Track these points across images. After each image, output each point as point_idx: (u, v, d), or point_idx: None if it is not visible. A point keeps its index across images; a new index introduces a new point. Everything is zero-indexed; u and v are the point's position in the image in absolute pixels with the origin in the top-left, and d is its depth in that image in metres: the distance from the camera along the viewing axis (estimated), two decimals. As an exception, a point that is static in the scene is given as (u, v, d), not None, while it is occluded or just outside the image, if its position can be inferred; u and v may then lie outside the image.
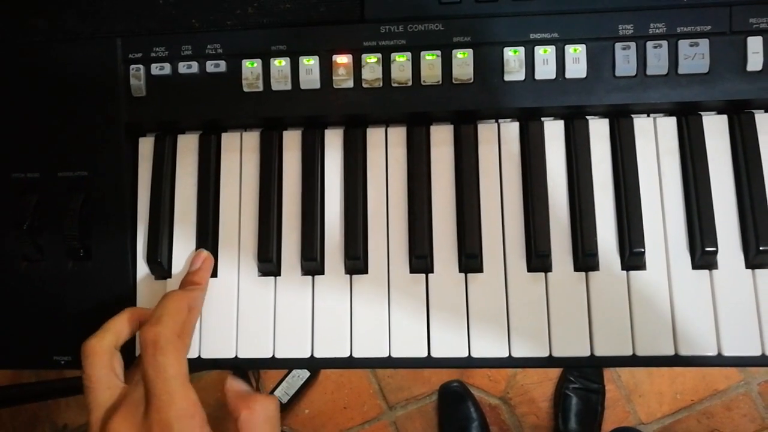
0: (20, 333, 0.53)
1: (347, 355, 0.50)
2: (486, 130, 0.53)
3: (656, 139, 0.52)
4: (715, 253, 0.48)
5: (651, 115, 0.52)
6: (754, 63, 0.49)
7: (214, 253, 0.53)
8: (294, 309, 0.51)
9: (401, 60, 0.51)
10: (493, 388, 1.40)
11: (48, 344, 0.53)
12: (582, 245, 0.49)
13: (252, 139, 0.54)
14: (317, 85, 0.52)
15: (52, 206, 0.53)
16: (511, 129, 0.53)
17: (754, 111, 0.51)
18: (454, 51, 0.51)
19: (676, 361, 0.48)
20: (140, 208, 0.54)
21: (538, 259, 0.50)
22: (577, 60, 0.50)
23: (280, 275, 0.52)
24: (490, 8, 0.51)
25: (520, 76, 0.51)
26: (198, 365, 0.51)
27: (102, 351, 0.45)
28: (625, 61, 0.50)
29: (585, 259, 0.49)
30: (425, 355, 0.50)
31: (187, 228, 0.53)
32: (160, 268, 0.53)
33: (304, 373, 1.38)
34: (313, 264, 0.51)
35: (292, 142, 0.54)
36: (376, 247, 0.52)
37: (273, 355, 0.51)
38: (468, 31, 0.51)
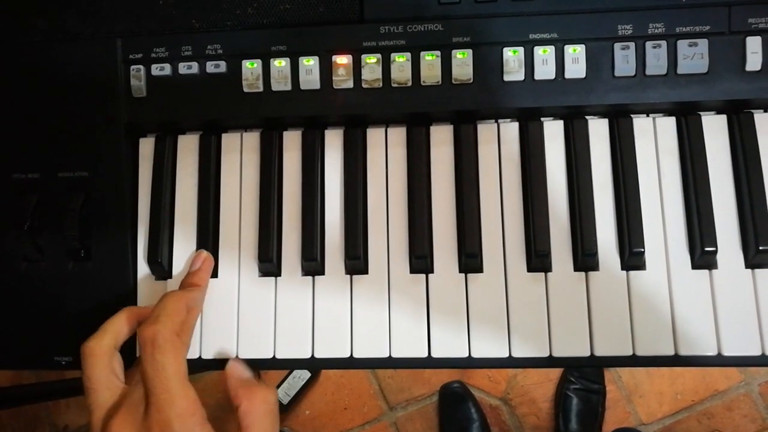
0: (21, 333, 0.53)
1: (348, 355, 0.50)
2: (486, 130, 0.53)
3: (656, 138, 0.52)
4: (715, 252, 0.48)
5: (650, 115, 0.52)
6: (753, 63, 0.49)
7: (215, 254, 0.53)
8: (294, 309, 0.51)
9: (401, 60, 0.51)
10: (494, 388, 1.40)
11: (48, 345, 0.53)
12: (582, 245, 0.49)
13: (252, 139, 0.55)
14: (317, 86, 0.52)
15: (53, 207, 0.53)
16: (510, 129, 0.53)
17: (753, 111, 0.51)
18: (453, 51, 0.51)
19: (676, 361, 0.49)
20: (140, 209, 0.54)
21: (538, 259, 0.50)
22: (576, 60, 0.50)
23: (280, 275, 0.52)
24: (490, 8, 0.51)
25: (520, 76, 0.51)
26: (199, 366, 0.51)
27: (101, 352, 0.45)
28: (624, 61, 0.50)
29: (585, 259, 0.49)
30: (425, 355, 0.50)
31: (188, 228, 0.54)
32: (161, 268, 0.53)
33: (305, 374, 1.38)
34: (313, 264, 0.51)
35: (292, 142, 0.54)
36: (376, 248, 0.52)
37: (273, 356, 0.51)
38: (467, 32, 0.51)
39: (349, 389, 1.42)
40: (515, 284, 0.50)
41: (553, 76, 0.51)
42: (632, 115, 0.52)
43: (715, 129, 0.51)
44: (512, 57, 0.51)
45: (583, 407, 1.33)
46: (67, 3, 0.54)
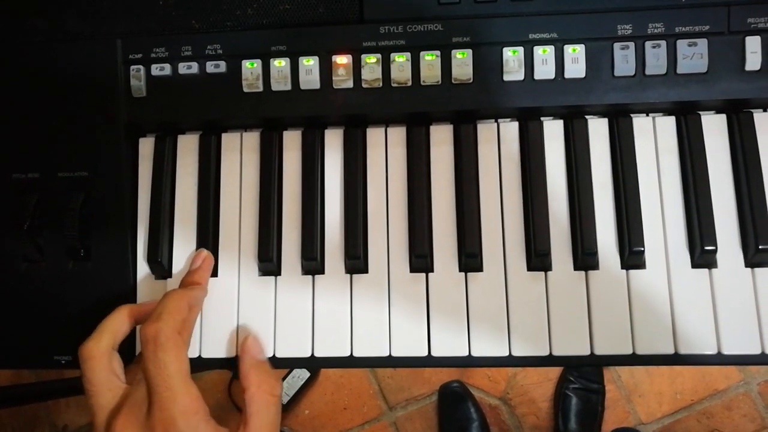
0: (20, 333, 0.53)
1: (347, 354, 0.51)
2: (485, 130, 0.53)
3: (655, 138, 0.52)
4: (715, 251, 0.48)
5: (650, 114, 0.52)
6: (753, 62, 0.49)
7: (215, 253, 0.53)
8: (294, 308, 0.51)
9: (401, 60, 0.51)
10: (493, 388, 1.40)
11: (48, 344, 0.53)
12: (582, 244, 0.49)
13: (252, 139, 0.55)
14: (317, 86, 0.52)
15: (52, 206, 0.53)
16: (510, 129, 0.53)
17: (752, 110, 0.51)
18: (453, 51, 0.51)
19: (676, 359, 0.49)
20: (140, 209, 0.54)
21: (537, 258, 0.50)
22: (576, 60, 0.50)
23: (280, 275, 0.52)
24: (489, 8, 0.51)
25: (520, 76, 0.51)
26: (198, 365, 0.51)
27: (100, 353, 0.45)
28: (623, 60, 0.50)
29: (585, 258, 0.49)
30: (425, 354, 0.50)
31: (188, 228, 0.54)
32: (161, 267, 0.53)
33: (304, 374, 1.38)
34: (313, 263, 0.51)
35: (292, 142, 0.54)
36: (376, 247, 0.52)
37: (273, 354, 0.51)
38: (467, 32, 0.51)
39: (349, 389, 1.42)
40: (515, 283, 0.50)
41: (552, 76, 0.51)
42: (632, 115, 0.52)
43: (714, 128, 0.51)
44: (512, 57, 0.51)
45: (583, 407, 1.33)
46: (67, 3, 0.55)
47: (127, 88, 0.53)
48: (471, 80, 0.51)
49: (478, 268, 0.51)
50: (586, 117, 0.52)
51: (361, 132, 0.54)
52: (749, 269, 0.49)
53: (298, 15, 0.53)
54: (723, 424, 1.35)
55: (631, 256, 0.49)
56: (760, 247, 0.48)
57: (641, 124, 0.52)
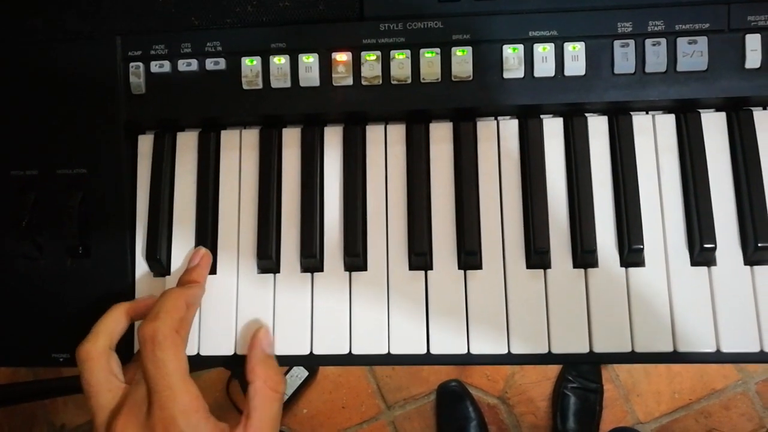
0: (19, 331, 0.53)
1: (346, 351, 0.50)
2: (485, 128, 0.53)
3: (655, 136, 0.52)
4: (714, 249, 0.48)
5: (650, 112, 0.52)
6: (753, 60, 0.49)
7: (214, 251, 0.53)
8: (293, 306, 0.51)
9: (400, 58, 0.51)
10: (492, 387, 1.40)
11: (46, 342, 0.53)
12: (581, 242, 0.49)
13: (251, 136, 0.54)
14: (317, 83, 0.52)
15: (51, 204, 0.53)
16: (510, 126, 0.53)
17: (752, 108, 0.51)
18: (453, 49, 0.51)
19: (675, 357, 0.49)
20: (139, 206, 0.54)
21: (537, 256, 0.50)
22: (576, 57, 0.50)
23: (279, 272, 0.52)
24: (489, 6, 0.51)
25: (519, 73, 0.51)
26: (197, 362, 0.51)
27: (98, 354, 0.45)
28: (623, 58, 0.50)
29: (584, 256, 0.49)
30: (424, 351, 0.50)
31: (186, 225, 0.53)
32: (159, 265, 0.53)
33: (303, 373, 1.38)
34: (312, 261, 0.51)
35: (291, 139, 0.54)
36: (376, 245, 0.52)
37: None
38: (467, 29, 0.51)
39: (347, 388, 1.42)
40: (514, 281, 0.50)
41: (552, 74, 0.51)
42: (632, 113, 0.52)
43: (714, 126, 0.51)
44: (512, 54, 0.51)
45: (581, 406, 1.33)
46: (66, 1, 0.54)
47: (126, 85, 0.53)
48: (471, 78, 0.51)
49: (478, 266, 0.51)
50: (586, 115, 0.52)
51: (360, 129, 0.54)
52: (748, 267, 0.49)
53: (298, 12, 0.53)
54: (721, 423, 1.35)
55: (631, 254, 0.49)
56: (759, 245, 0.48)
57: (641, 122, 0.52)
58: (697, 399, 1.36)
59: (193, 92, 0.53)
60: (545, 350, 0.49)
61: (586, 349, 0.49)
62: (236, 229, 0.53)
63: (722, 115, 0.51)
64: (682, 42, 0.50)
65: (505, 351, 0.50)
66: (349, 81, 0.52)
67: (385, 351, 0.50)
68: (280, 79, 0.52)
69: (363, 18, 0.52)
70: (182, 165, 0.54)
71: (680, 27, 0.50)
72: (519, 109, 0.52)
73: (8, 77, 0.54)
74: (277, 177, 0.53)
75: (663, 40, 0.50)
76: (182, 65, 0.53)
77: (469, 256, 0.50)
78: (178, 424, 0.41)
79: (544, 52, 0.51)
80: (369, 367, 1.42)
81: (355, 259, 0.51)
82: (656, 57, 0.50)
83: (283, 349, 0.51)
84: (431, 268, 0.51)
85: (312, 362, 0.51)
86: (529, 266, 0.51)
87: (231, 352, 0.51)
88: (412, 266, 0.51)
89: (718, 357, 0.48)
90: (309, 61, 0.52)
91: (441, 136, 0.53)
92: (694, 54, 0.50)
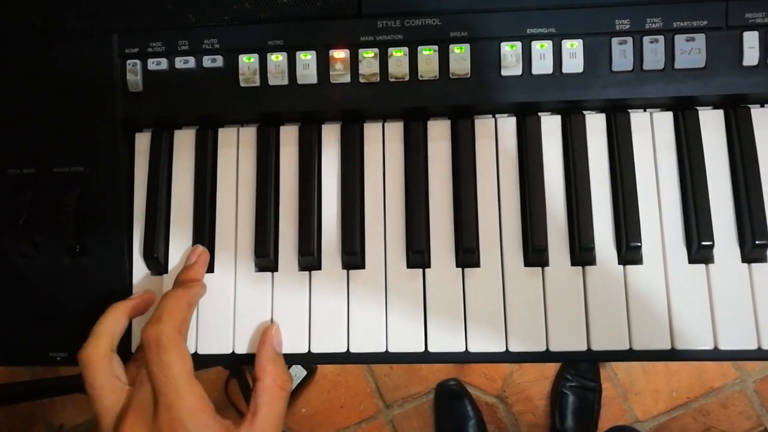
0: (16, 330, 0.53)
1: (344, 350, 0.50)
2: (483, 125, 0.53)
3: (653, 133, 0.52)
4: (712, 247, 0.48)
5: (648, 109, 0.52)
6: (750, 58, 0.49)
7: (211, 249, 0.53)
8: (291, 304, 0.51)
9: (398, 55, 0.51)
10: (490, 386, 1.40)
11: (44, 341, 0.52)
12: (579, 240, 0.49)
13: (249, 134, 0.54)
14: (314, 80, 0.52)
15: (48, 202, 0.53)
16: (508, 124, 0.53)
17: (750, 106, 0.51)
18: (451, 46, 0.51)
19: (673, 355, 0.49)
20: (137, 204, 0.54)
21: (534, 253, 0.50)
22: (573, 55, 0.50)
23: (277, 271, 0.52)
24: (487, 3, 0.51)
25: (517, 71, 0.51)
26: (195, 361, 0.51)
27: (100, 357, 0.45)
28: (621, 55, 0.50)
29: (582, 253, 0.49)
30: (422, 350, 0.50)
31: (184, 224, 0.53)
32: (157, 263, 0.52)
33: (301, 372, 1.38)
34: (310, 259, 0.51)
35: (289, 137, 0.54)
36: (374, 243, 0.52)
37: (270, 351, 0.51)
38: (465, 26, 0.51)
39: (346, 387, 1.42)
40: (512, 279, 0.50)
41: (550, 71, 0.51)
42: (629, 110, 0.52)
43: (712, 124, 0.51)
44: (510, 52, 0.51)
45: (579, 405, 1.33)
46: (63, -1, 0.54)
47: (123, 82, 0.53)
48: (468, 75, 0.51)
49: (475, 263, 0.51)
50: (584, 112, 0.52)
51: (358, 127, 0.53)
52: (746, 264, 0.49)
53: (296, 9, 0.53)
54: (719, 421, 1.35)
55: (629, 251, 0.49)
56: (756, 242, 0.48)
57: (639, 119, 0.52)
58: (695, 397, 1.37)
59: (190, 90, 0.53)
60: (543, 348, 0.49)
61: (584, 347, 0.49)
62: (234, 228, 0.53)
63: (720, 113, 0.51)
64: (680, 39, 0.50)
65: (503, 349, 0.49)
66: (347, 78, 0.52)
67: (383, 349, 0.50)
68: (278, 77, 0.52)
69: (361, 15, 0.52)
70: (180, 163, 0.54)
71: (678, 24, 0.50)
72: (517, 106, 0.52)
73: (4, 75, 0.54)
74: (275, 175, 0.53)
75: (661, 38, 0.50)
76: (179, 63, 0.53)
77: (467, 254, 0.50)
78: (186, 425, 0.41)
79: (541, 49, 0.51)
80: (367, 366, 1.42)
81: (353, 257, 0.51)
82: (654, 54, 0.50)
83: (281, 347, 0.51)
84: (429, 266, 0.51)
85: (310, 361, 0.51)
86: (527, 264, 0.51)
87: (229, 351, 0.51)
88: (410, 264, 0.51)
89: (715, 354, 0.48)
90: (306, 58, 0.52)
91: (439, 134, 0.53)
92: (692, 51, 0.49)
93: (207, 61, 0.52)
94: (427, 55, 0.51)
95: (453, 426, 1.34)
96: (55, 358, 0.52)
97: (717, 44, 0.50)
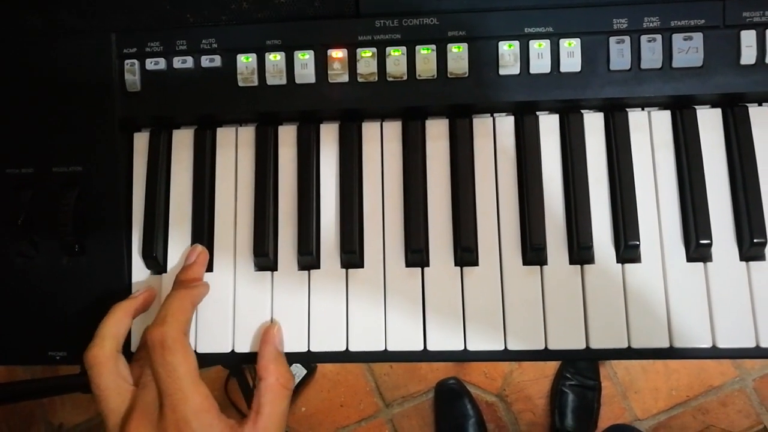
0: (15, 329, 0.53)
1: (343, 348, 0.50)
2: (481, 124, 0.53)
3: (651, 132, 0.52)
4: (710, 245, 0.48)
5: (645, 108, 0.52)
6: (748, 56, 0.49)
7: (210, 248, 0.53)
8: (290, 303, 0.51)
9: (396, 54, 0.51)
10: (490, 385, 1.40)
11: (43, 340, 0.52)
12: (577, 238, 0.49)
13: (247, 134, 0.54)
14: (312, 80, 0.52)
15: (47, 202, 0.53)
16: (506, 123, 0.53)
17: (747, 104, 0.51)
18: (449, 45, 0.51)
19: (671, 353, 0.49)
20: (135, 204, 0.54)
21: (533, 252, 0.50)
22: (571, 54, 0.50)
23: (276, 270, 0.52)
24: (485, 2, 0.51)
25: (515, 70, 0.51)
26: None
27: (106, 359, 0.45)
28: (619, 54, 0.50)
29: (580, 252, 0.50)
30: (421, 348, 0.50)
31: (183, 223, 0.53)
32: (156, 263, 0.53)
33: (301, 371, 1.38)
34: (309, 258, 0.51)
35: (287, 136, 0.54)
36: (372, 241, 0.52)
37: (269, 350, 0.51)
38: (463, 25, 0.51)
39: (345, 386, 1.42)
40: (511, 278, 0.50)
41: (548, 70, 0.51)
42: (627, 109, 0.52)
43: (710, 123, 0.51)
44: (508, 51, 0.51)
45: (579, 403, 1.34)
46: (61, -3, 0.54)
47: (121, 82, 0.53)
48: (467, 74, 0.51)
49: (474, 262, 0.51)
50: (582, 111, 0.52)
51: (356, 127, 0.53)
52: (744, 263, 0.49)
53: (294, 9, 0.53)
54: (718, 419, 1.36)
55: (627, 250, 0.49)
56: (754, 240, 0.48)
57: (637, 118, 0.52)
58: (695, 396, 1.37)
59: (188, 89, 0.53)
60: (542, 346, 0.49)
61: (582, 346, 0.49)
62: (233, 227, 0.53)
63: (718, 111, 0.52)
64: (677, 38, 0.50)
65: (502, 347, 0.50)
66: (345, 78, 0.52)
67: (382, 348, 0.50)
68: (276, 76, 0.52)
69: (359, 15, 0.52)
70: (178, 162, 0.54)
71: (675, 23, 0.50)
72: (515, 105, 0.52)
73: (2, 75, 0.54)
74: (274, 174, 0.53)
75: (658, 37, 0.50)
76: (177, 62, 0.53)
77: (465, 253, 0.50)
78: (191, 425, 0.42)
79: (539, 48, 0.51)
80: (367, 365, 1.42)
81: (352, 256, 0.51)
82: (652, 53, 0.50)
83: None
84: (428, 265, 0.51)
85: (309, 359, 0.52)
86: (525, 263, 0.51)
87: (228, 350, 0.51)
88: (409, 263, 0.51)
89: (714, 352, 0.49)
90: (305, 58, 0.52)
91: (437, 133, 0.53)
92: (689, 50, 0.50)
93: (205, 61, 0.53)
94: (425, 54, 0.51)
95: (453, 425, 1.34)
96: (55, 357, 0.52)
97: (714, 43, 0.50)
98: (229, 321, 0.52)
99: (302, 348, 0.51)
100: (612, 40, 0.50)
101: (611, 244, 0.50)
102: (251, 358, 0.51)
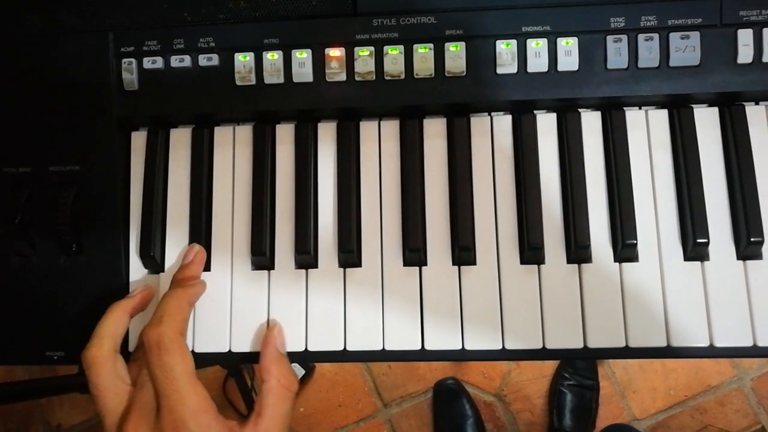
0: (12, 329, 0.53)
1: (341, 348, 0.50)
2: (479, 123, 0.53)
3: (648, 131, 0.52)
4: (707, 244, 0.48)
5: (643, 107, 0.52)
6: (745, 55, 0.49)
7: (208, 247, 0.53)
8: (288, 302, 0.51)
9: (394, 53, 0.51)
10: (488, 385, 1.40)
11: (40, 340, 0.52)
12: (575, 237, 0.49)
13: (245, 132, 0.54)
14: (310, 79, 0.52)
15: (44, 201, 0.53)
16: (503, 122, 0.53)
17: (744, 103, 0.51)
18: (446, 44, 0.51)
19: (669, 352, 0.49)
20: (133, 203, 0.54)
21: (531, 251, 0.50)
22: (569, 53, 0.50)
23: (273, 269, 0.52)
24: (482, 1, 0.51)
25: (513, 68, 0.51)
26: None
27: (104, 359, 0.45)
28: (616, 53, 0.50)
29: (578, 251, 0.50)
30: (419, 347, 0.50)
31: (180, 222, 0.53)
32: (153, 262, 0.53)
33: (299, 371, 1.38)
34: (306, 257, 0.51)
35: (285, 135, 0.54)
36: (370, 241, 0.52)
37: (267, 349, 0.51)
38: (460, 24, 0.51)
39: (344, 386, 1.42)
40: (508, 277, 0.50)
41: (545, 69, 0.51)
42: (625, 108, 0.52)
43: (707, 121, 0.51)
44: (505, 50, 0.51)
45: (577, 403, 1.34)
46: (58, -4, 0.54)
47: (119, 81, 0.53)
48: (464, 73, 0.51)
49: (472, 261, 0.51)
50: (579, 110, 0.52)
51: (354, 125, 0.53)
52: (741, 262, 0.49)
53: (291, 8, 0.53)
54: (716, 419, 1.36)
55: (624, 249, 0.49)
56: (751, 239, 0.48)
57: (634, 117, 0.52)
58: (693, 395, 1.37)
59: (186, 88, 0.53)
60: (539, 346, 0.49)
61: (580, 345, 0.49)
62: (230, 226, 0.53)
63: (715, 110, 0.52)
64: (674, 37, 0.50)
65: (500, 347, 0.50)
66: (343, 77, 0.52)
67: (379, 347, 0.50)
68: (274, 75, 0.52)
69: (356, 13, 0.52)
70: (176, 161, 0.54)
71: (673, 22, 0.50)
72: (512, 104, 0.52)
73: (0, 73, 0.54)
74: (271, 173, 0.53)
75: (656, 35, 0.50)
76: (175, 61, 0.53)
77: (463, 252, 0.50)
78: (188, 426, 0.42)
79: (537, 47, 0.51)
80: (365, 365, 1.42)
81: (350, 255, 0.51)
82: (649, 52, 0.50)
83: (277, 345, 0.51)
84: (425, 264, 0.51)
85: (307, 359, 0.51)
86: (523, 262, 0.51)
87: (226, 349, 0.51)
88: (407, 262, 0.51)
89: (711, 351, 0.49)
90: (302, 56, 0.52)
91: (435, 132, 0.53)
92: (686, 49, 0.50)
93: (203, 60, 0.53)
94: (423, 53, 0.51)
95: (451, 425, 1.34)
96: (53, 357, 0.52)
97: (711, 42, 0.50)
98: (227, 320, 0.52)
99: (300, 347, 0.51)
100: (609, 38, 0.50)
101: (609, 243, 0.50)
102: (249, 357, 0.51)
